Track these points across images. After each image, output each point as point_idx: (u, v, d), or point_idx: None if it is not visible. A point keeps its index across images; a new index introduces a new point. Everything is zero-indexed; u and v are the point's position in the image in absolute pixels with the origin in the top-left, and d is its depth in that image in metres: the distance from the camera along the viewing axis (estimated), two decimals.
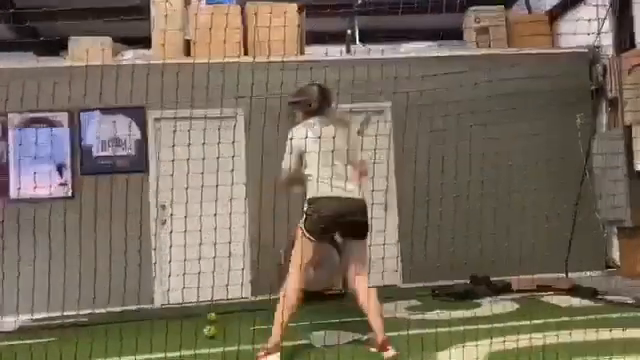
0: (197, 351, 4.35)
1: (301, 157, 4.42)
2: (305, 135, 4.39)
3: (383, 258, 4.81)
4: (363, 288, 4.38)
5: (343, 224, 4.34)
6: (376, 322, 4.34)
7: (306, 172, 4.40)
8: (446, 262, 5.82)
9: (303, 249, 4.30)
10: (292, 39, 7.36)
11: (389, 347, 4.25)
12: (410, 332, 4.41)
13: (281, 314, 4.20)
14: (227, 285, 4.70)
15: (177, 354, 4.31)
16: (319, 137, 4.35)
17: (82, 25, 6.33)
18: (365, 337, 4.69)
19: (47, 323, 6.00)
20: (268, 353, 4.21)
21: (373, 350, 4.37)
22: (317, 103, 4.57)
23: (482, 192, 6.19)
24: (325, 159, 4.29)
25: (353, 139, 4.59)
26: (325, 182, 4.29)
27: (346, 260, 4.55)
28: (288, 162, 4.46)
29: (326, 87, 4.71)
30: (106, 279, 5.13)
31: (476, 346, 4.07)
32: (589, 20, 6.95)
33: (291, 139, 4.44)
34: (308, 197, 4.37)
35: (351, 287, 4.52)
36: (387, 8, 7.12)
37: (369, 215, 4.42)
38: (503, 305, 5.96)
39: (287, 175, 4.51)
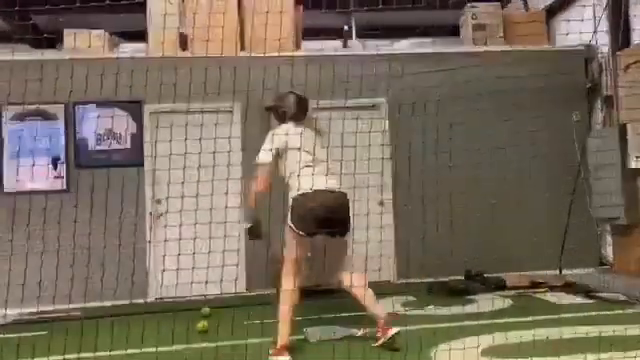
0: (190, 345, 4.35)
1: (279, 153, 4.44)
2: (287, 132, 4.43)
3: (381, 255, 4.84)
4: (354, 285, 4.39)
5: (325, 219, 4.27)
6: (375, 309, 4.40)
7: (287, 169, 4.43)
8: (441, 258, 5.84)
9: (295, 246, 4.32)
10: (289, 35, 7.35)
11: (390, 328, 4.29)
12: (406, 328, 4.43)
13: (287, 313, 4.23)
14: (221, 280, 4.71)
15: (169, 348, 4.30)
16: (300, 134, 4.40)
17: (78, 18, 6.31)
18: (359, 332, 4.69)
19: (38, 317, 5.97)
20: (278, 353, 4.17)
21: (375, 344, 4.33)
22: (292, 111, 4.60)
23: (478, 189, 6.22)
24: (307, 156, 4.36)
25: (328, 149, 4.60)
26: (307, 177, 4.31)
27: (330, 259, 4.52)
28: (269, 156, 4.43)
29: (303, 96, 4.70)
30: (100, 273, 5.12)
31: (477, 346, 4.06)
32: (585, 18, 6.95)
33: (273, 135, 4.48)
34: (291, 194, 4.39)
35: (343, 286, 4.49)
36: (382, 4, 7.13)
37: (350, 213, 4.44)
38: (497, 302, 5.97)
39: (265, 170, 4.46)
